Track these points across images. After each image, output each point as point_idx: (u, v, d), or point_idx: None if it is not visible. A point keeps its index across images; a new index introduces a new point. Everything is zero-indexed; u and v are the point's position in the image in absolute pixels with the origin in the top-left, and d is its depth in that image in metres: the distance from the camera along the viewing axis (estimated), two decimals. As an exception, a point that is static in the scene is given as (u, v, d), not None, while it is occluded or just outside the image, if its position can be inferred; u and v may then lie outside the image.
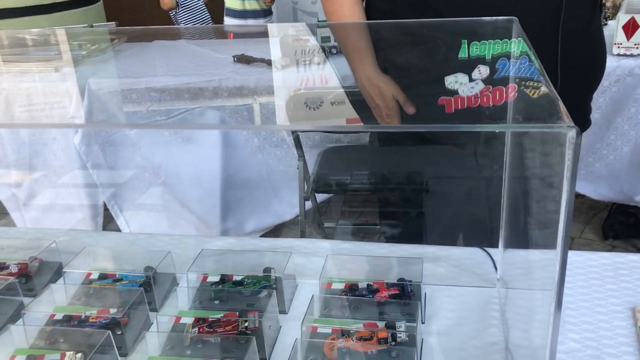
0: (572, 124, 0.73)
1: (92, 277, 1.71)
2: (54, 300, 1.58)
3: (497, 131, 1.69)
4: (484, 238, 1.87)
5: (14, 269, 1.72)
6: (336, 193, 3.36)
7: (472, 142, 2.07)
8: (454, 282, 1.66)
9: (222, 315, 1.50)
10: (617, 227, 3.56)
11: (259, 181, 3.70)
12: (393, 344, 1.38)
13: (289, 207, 3.72)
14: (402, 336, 1.40)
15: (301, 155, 3.27)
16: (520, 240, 1.68)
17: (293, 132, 3.30)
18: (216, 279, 1.67)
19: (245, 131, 3.51)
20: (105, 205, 3.54)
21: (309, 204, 3.36)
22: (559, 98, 0.83)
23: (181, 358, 1.38)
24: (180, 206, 3.66)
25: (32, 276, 1.73)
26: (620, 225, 3.55)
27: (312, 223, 3.59)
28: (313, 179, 3.26)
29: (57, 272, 1.75)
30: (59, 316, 1.55)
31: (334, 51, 3.11)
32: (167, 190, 3.62)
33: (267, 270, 1.65)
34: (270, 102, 3.29)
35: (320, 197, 3.62)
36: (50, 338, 1.47)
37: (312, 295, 1.51)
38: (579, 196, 3.55)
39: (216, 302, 1.59)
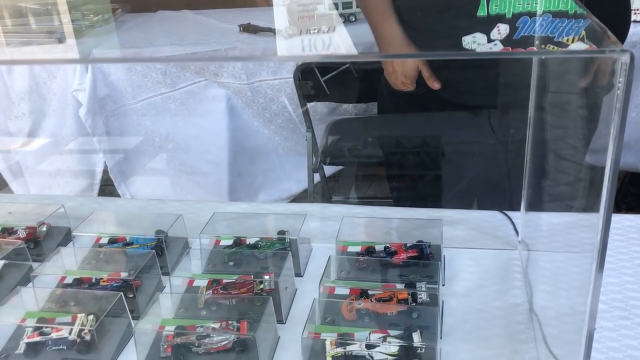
0: (624, 49, 0.68)
1: (101, 241, 1.67)
2: (64, 264, 1.54)
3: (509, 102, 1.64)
4: (501, 202, 1.83)
5: (22, 234, 1.68)
6: (345, 164, 3.30)
7: (487, 107, 2.02)
8: (474, 244, 1.62)
9: (236, 277, 1.46)
10: (630, 200, 3.52)
11: (266, 155, 3.65)
12: (414, 304, 1.34)
13: (296, 182, 3.68)
14: (423, 296, 1.36)
15: (309, 127, 3.21)
16: (545, 202, 1.64)
17: (302, 106, 3.24)
18: (229, 242, 1.63)
19: (252, 107, 3.43)
20: (109, 176, 3.50)
21: (317, 179, 3.31)
22: (606, 29, 0.78)
23: (195, 320, 1.34)
24: (187, 180, 3.62)
25: (41, 241, 1.69)
26: (633, 197, 3.50)
27: (322, 197, 3.54)
28: (321, 151, 3.21)
29: (66, 237, 1.71)
30: (69, 280, 1.51)
31: (353, 19, 3.04)
32: (173, 163, 3.57)
33: (281, 232, 1.61)
34: (277, 72, 3.22)
35: (330, 172, 3.57)
36: (60, 301, 1.43)
37: (329, 256, 1.47)
38: (590, 168, 3.49)
39: (230, 265, 1.55)
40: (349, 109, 3.45)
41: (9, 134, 3.33)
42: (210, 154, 3.53)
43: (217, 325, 1.30)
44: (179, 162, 3.55)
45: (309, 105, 3.19)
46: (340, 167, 3.53)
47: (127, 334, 1.35)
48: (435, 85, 1.91)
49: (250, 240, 1.62)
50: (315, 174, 3.28)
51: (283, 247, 1.56)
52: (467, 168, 1.99)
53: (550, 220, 1.64)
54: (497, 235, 1.65)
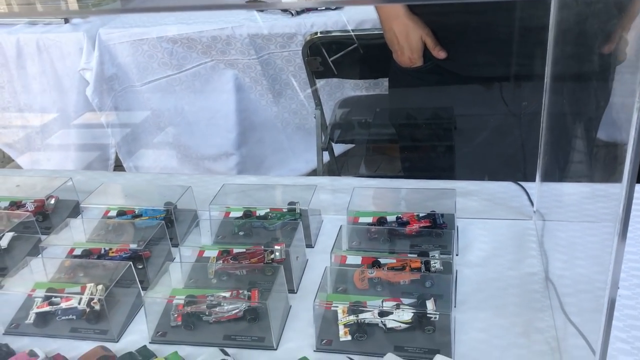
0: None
1: (110, 214, 1.65)
2: (72, 236, 1.53)
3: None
4: (514, 173, 1.80)
5: (30, 207, 1.67)
6: (355, 142, 3.27)
7: (498, 80, 1.98)
8: (487, 215, 1.59)
9: (246, 248, 1.44)
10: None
11: (275, 135, 3.62)
12: (427, 273, 1.32)
13: (305, 162, 3.65)
14: (436, 265, 1.33)
15: (318, 104, 3.17)
16: (561, 172, 1.60)
17: (311, 84, 3.20)
18: (239, 214, 1.61)
19: (261, 84, 3.39)
20: (116, 155, 3.49)
21: (326, 158, 3.28)
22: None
23: (206, 290, 1.32)
24: (195, 163, 3.61)
25: (49, 214, 1.67)
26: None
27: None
28: (330, 129, 3.17)
29: (75, 210, 1.69)
30: (78, 251, 1.50)
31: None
32: (180, 145, 3.55)
33: (291, 204, 1.59)
34: (285, 49, 3.19)
35: (339, 150, 3.54)
36: (70, 272, 1.42)
37: (341, 226, 1.44)
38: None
39: (240, 236, 1.53)
40: (358, 85, 3.41)
41: (19, 110, 3.31)
42: (218, 136, 3.50)
43: (227, 294, 1.28)
44: (186, 145, 3.53)
45: (318, 83, 3.15)
46: (350, 146, 3.50)
47: (137, 303, 1.33)
48: (440, 54, 1.87)
49: (260, 212, 1.60)
50: (324, 153, 3.25)
51: (293, 218, 1.54)
52: (480, 140, 1.95)
53: (567, 190, 1.60)
54: (511, 205, 1.63)
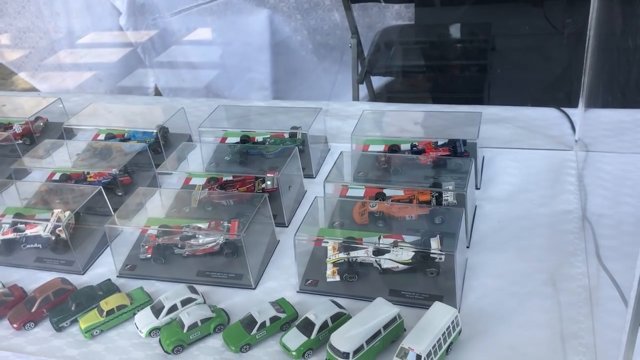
0: None
1: (99, 138, 1.51)
2: (54, 160, 1.40)
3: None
4: (557, 99, 1.55)
5: (18, 129, 1.55)
6: (393, 75, 3.02)
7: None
8: (520, 144, 1.36)
9: (234, 175, 1.28)
10: None
11: (310, 72, 3.41)
12: (437, 207, 1.12)
13: (341, 97, 3.43)
14: (449, 198, 1.13)
15: (354, 32, 2.93)
16: (610, 97, 1.36)
17: (346, 8, 2.95)
18: (236, 139, 1.44)
19: (293, 22, 3.16)
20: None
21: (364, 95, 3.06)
22: None
23: (182, 220, 1.17)
24: (227, 96, 3.45)
25: (37, 137, 1.55)
26: None
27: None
28: (368, 61, 2.94)
29: (67, 131, 1.55)
30: (57, 176, 1.37)
31: None
32: (212, 76, 3.40)
33: (294, 128, 1.40)
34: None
35: (378, 84, 3.30)
36: (45, 197, 1.29)
37: (341, 152, 1.25)
38: None
39: (234, 164, 1.36)
40: (400, 14, 3.13)
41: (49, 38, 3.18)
42: (252, 70, 3.32)
43: (205, 226, 1.13)
44: (218, 79, 3.37)
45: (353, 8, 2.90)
46: (388, 79, 3.25)
47: (112, 233, 1.19)
48: None
49: (260, 138, 1.42)
50: (361, 87, 3.03)
51: (294, 145, 1.36)
52: (519, 62, 1.70)
53: (616, 117, 1.36)
54: (550, 134, 1.39)
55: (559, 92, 1.55)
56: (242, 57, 3.35)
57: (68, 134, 1.54)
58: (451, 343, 0.90)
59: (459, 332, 0.92)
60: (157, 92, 3.36)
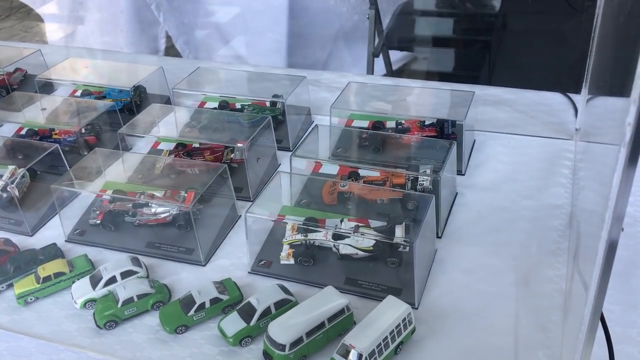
0: None
1: (76, 94, 1.45)
2: (24, 115, 1.34)
3: None
4: (565, 85, 1.43)
5: (-5, 80, 1.49)
6: (411, 50, 2.89)
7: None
8: (516, 129, 1.26)
9: (200, 143, 1.20)
10: None
11: (327, 39, 3.29)
12: (411, 192, 1.03)
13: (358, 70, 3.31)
14: (424, 183, 1.04)
15: (373, 3, 2.80)
16: (619, 83, 1.24)
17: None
18: (215, 105, 1.36)
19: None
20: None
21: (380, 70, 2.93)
22: None
23: (138, 186, 1.10)
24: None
25: (14, 89, 1.49)
26: None
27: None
28: (386, 34, 2.81)
29: (47, 87, 1.49)
30: (25, 131, 1.31)
31: None
32: (230, 38, 3.30)
33: (276, 97, 1.31)
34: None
35: (395, 59, 3.16)
36: (8, 153, 1.23)
37: (315, 125, 1.16)
38: None
39: (209, 130, 1.28)
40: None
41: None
42: (269, 40, 3.22)
43: (161, 194, 1.06)
44: (237, 44, 3.28)
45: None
46: (407, 54, 3.12)
47: (69, 195, 1.13)
48: None
49: (241, 105, 1.34)
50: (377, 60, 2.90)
51: (273, 114, 1.27)
52: (530, 42, 1.58)
53: (623, 107, 1.24)
54: (551, 121, 1.28)
55: (569, 77, 1.43)
56: (262, 17, 3.26)
57: (47, 87, 1.48)
58: (402, 342, 0.82)
59: (412, 331, 0.83)
60: (167, 53, 3.28)
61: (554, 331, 0.83)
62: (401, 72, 3.00)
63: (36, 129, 1.29)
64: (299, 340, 0.80)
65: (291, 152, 1.09)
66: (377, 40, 2.91)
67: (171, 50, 3.19)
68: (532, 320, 0.85)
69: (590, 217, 1.00)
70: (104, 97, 1.39)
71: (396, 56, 2.98)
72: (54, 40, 2.98)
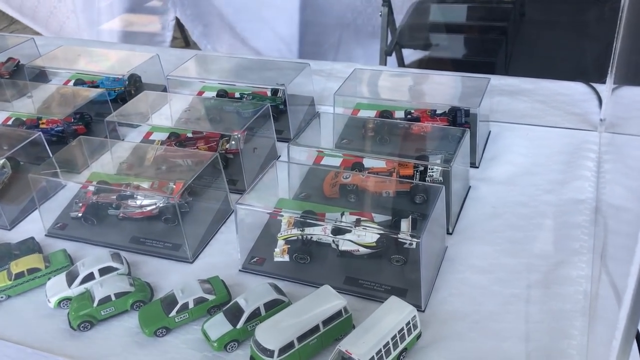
0: None
1: (70, 83, 1.38)
2: (12, 105, 1.28)
3: None
4: (589, 75, 1.34)
5: (-14, 70, 1.43)
6: (426, 48, 2.80)
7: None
8: (536, 120, 1.16)
9: (193, 132, 1.13)
10: None
11: (338, 37, 3.21)
12: (419, 184, 0.94)
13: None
14: (434, 175, 0.95)
15: (386, 0, 2.71)
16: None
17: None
18: (213, 94, 1.28)
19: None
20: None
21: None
22: None
23: (123, 177, 1.02)
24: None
25: (6, 78, 1.42)
26: None
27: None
28: (400, 31, 2.72)
29: (41, 76, 1.43)
30: (12, 121, 1.24)
31: None
32: (240, 29, 3.23)
33: (277, 85, 1.23)
34: None
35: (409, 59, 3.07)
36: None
37: (317, 113, 1.08)
38: None
39: (206, 120, 1.21)
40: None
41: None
42: (278, 33, 3.15)
43: (148, 185, 0.98)
44: (247, 36, 3.21)
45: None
46: (421, 53, 3.02)
47: (54, 186, 1.06)
48: None
49: (241, 93, 1.26)
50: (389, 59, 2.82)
51: (274, 104, 1.19)
52: (550, 31, 1.48)
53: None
54: (573, 111, 1.18)
55: (592, 67, 1.34)
56: (274, 9, 3.21)
57: (41, 77, 1.42)
58: (405, 349, 0.73)
59: (418, 336, 0.75)
60: (174, 45, 3.23)
61: (578, 338, 0.74)
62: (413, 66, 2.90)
63: (24, 119, 1.22)
64: (289, 346, 0.71)
65: (290, 141, 1.01)
66: (389, 38, 2.83)
67: (177, 43, 3.12)
68: (553, 326, 0.76)
69: (619, 213, 0.90)
70: (97, 86, 1.31)
71: (409, 58, 2.89)
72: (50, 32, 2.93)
